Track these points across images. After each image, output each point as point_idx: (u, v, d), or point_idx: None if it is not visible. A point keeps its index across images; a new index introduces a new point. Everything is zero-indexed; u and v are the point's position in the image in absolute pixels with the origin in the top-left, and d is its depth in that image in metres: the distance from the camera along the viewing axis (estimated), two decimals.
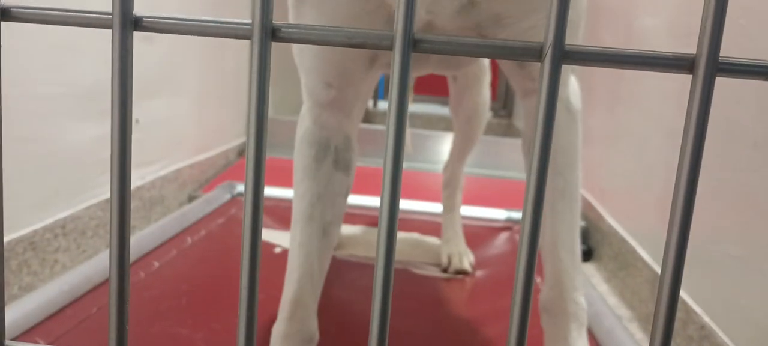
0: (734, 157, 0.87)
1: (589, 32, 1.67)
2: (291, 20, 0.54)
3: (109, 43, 1.22)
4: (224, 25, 0.26)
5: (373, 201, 1.48)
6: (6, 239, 0.97)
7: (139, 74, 1.30)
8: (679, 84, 1.09)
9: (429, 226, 1.38)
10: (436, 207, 1.44)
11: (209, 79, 1.79)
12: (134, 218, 1.38)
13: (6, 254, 0.97)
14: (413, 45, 0.24)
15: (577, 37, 0.54)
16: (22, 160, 1.00)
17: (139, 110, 1.36)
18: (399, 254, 1.19)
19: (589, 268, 1.43)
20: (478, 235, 1.33)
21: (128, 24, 0.26)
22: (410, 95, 1.47)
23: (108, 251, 1.03)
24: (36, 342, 0.74)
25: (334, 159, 0.59)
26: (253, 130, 0.25)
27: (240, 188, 1.53)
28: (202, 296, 0.93)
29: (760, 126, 0.81)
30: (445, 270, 1.12)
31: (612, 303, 1.21)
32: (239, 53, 2.00)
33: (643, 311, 1.14)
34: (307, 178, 0.58)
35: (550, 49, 0.22)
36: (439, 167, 1.35)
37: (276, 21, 0.25)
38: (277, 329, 0.57)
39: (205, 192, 1.58)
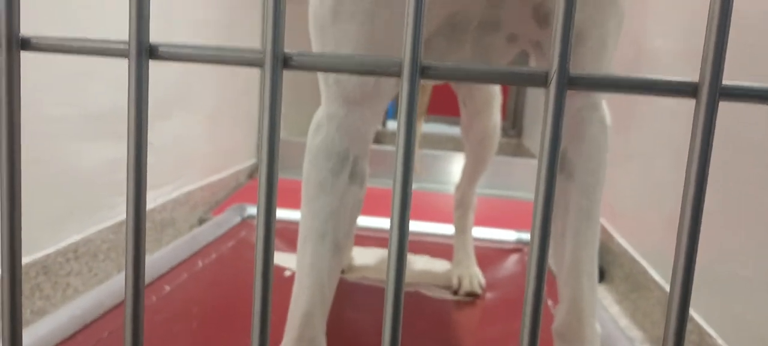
0: (745, 176, 0.87)
1: None
2: (317, 30, 0.52)
3: (120, 66, 1.23)
4: (237, 54, 0.27)
5: (384, 223, 1.48)
6: None
7: (152, 96, 1.31)
8: (688, 105, 1.09)
9: (439, 248, 1.37)
10: (447, 229, 1.43)
11: (220, 99, 1.81)
12: (146, 242, 1.39)
13: None
14: (421, 72, 0.25)
15: (604, 56, 0.51)
16: (34, 182, 1.01)
17: (152, 133, 1.38)
18: (409, 276, 1.18)
19: (601, 289, 1.42)
20: (487, 256, 1.32)
21: (144, 53, 0.27)
22: (423, 116, 1.47)
23: (119, 274, 1.04)
24: None
25: (350, 172, 0.56)
26: (265, 158, 0.26)
27: (250, 210, 1.53)
28: (213, 320, 0.93)
29: None
30: (455, 292, 1.12)
31: (623, 325, 1.20)
32: (250, 74, 2.02)
33: (655, 333, 1.13)
34: (323, 193, 0.55)
35: (555, 75, 0.23)
36: (449, 188, 1.35)
37: (287, 49, 0.26)
38: None
39: (216, 214, 1.59)
